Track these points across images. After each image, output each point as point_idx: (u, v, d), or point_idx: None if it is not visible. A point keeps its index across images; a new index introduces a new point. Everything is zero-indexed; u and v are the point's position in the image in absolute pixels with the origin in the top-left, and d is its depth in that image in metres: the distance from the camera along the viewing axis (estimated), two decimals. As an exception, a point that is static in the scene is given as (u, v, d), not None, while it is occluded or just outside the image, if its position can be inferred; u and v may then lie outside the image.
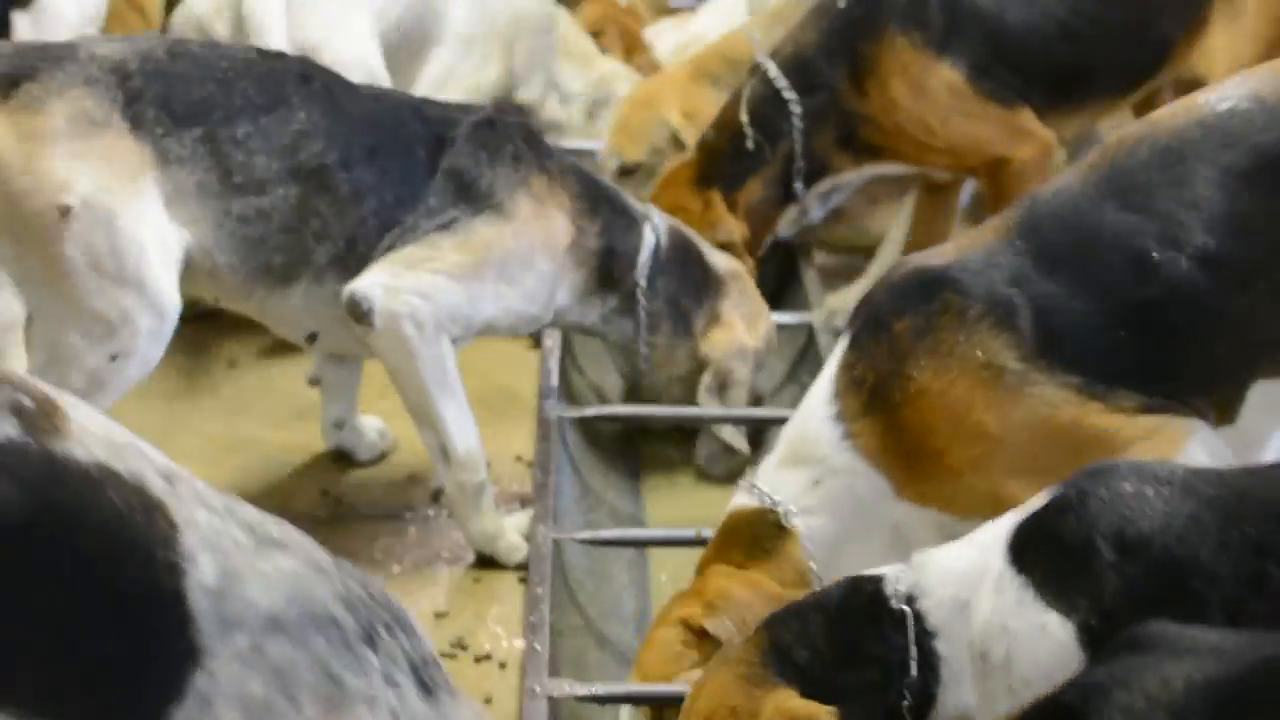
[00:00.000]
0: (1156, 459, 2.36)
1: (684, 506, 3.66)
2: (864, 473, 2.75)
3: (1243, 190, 2.63)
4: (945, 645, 2.21)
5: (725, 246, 3.89)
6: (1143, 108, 3.90)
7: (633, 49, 5.59)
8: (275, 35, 3.88)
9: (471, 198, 3.28)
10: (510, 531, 3.34)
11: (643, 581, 3.42)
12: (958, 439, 2.65)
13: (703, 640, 2.67)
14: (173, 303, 3.07)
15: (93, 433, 1.90)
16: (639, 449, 3.91)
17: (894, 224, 4.32)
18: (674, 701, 2.54)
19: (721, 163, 3.99)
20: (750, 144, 3.93)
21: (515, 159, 3.33)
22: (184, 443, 3.71)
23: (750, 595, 2.67)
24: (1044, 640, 2.10)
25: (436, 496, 3.59)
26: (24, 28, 3.48)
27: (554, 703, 2.78)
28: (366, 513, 3.56)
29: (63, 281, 2.99)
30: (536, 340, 4.08)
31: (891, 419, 2.70)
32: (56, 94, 2.98)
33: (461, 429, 3.27)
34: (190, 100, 3.08)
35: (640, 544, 3.45)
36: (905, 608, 2.23)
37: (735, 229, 3.97)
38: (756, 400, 3.83)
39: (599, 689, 2.80)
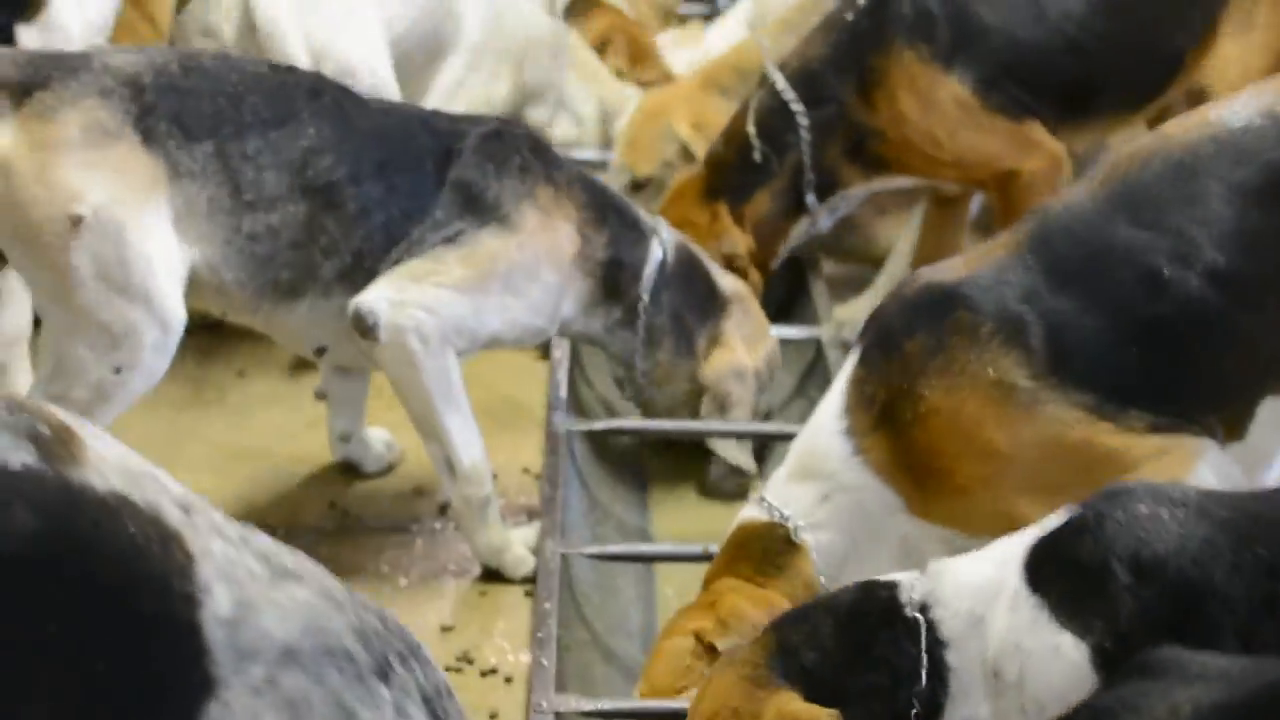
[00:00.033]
0: (1167, 479, 2.36)
1: (691, 521, 3.65)
2: (874, 488, 2.75)
3: (1254, 207, 2.63)
4: (956, 657, 2.20)
5: (731, 259, 3.88)
6: (1155, 120, 3.89)
7: (640, 59, 5.57)
8: (285, 39, 3.87)
9: (478, 210, 3.28)
10: (517, 545, 3.34)
11: (649, 596, 3.41)
12: (968, 457, 2.65)
13: (713, 657, 2.66)
14: (178, 316, 3.06)
15: (110, 461, 1.89)
16: (646, 463, 3.90)
17: (902, 235, 4.30)
18: (679, 718, 2.54)
19: (729, 175, 3.98)
20: (758, 156, 3.92)
21: (522, 170, 3.33)
22: (192, 452, 3.71)
23: (764, 616, 2.66)
24: (1057, 661, 2.09)
25: (443, 509, 3.57)
26: (29, 42, 3.45)
27: (560, 718, 2.78)
28: (373, 525, 3.55)
29: (70, 292, 2.99)
30: (544, 351, 4.06)
31: (902, 435, 2.70)
32: (70, 104, 2.98)
33: (467, 442, 3.27)
34: (201, 114, 3.08)
35: (647, 559, 3.44)
36: (919, 616, 2.22)
37: (741, 241, 3.96)
38: (765, 416, 3.82)
39: (605, 704, 2.80)
